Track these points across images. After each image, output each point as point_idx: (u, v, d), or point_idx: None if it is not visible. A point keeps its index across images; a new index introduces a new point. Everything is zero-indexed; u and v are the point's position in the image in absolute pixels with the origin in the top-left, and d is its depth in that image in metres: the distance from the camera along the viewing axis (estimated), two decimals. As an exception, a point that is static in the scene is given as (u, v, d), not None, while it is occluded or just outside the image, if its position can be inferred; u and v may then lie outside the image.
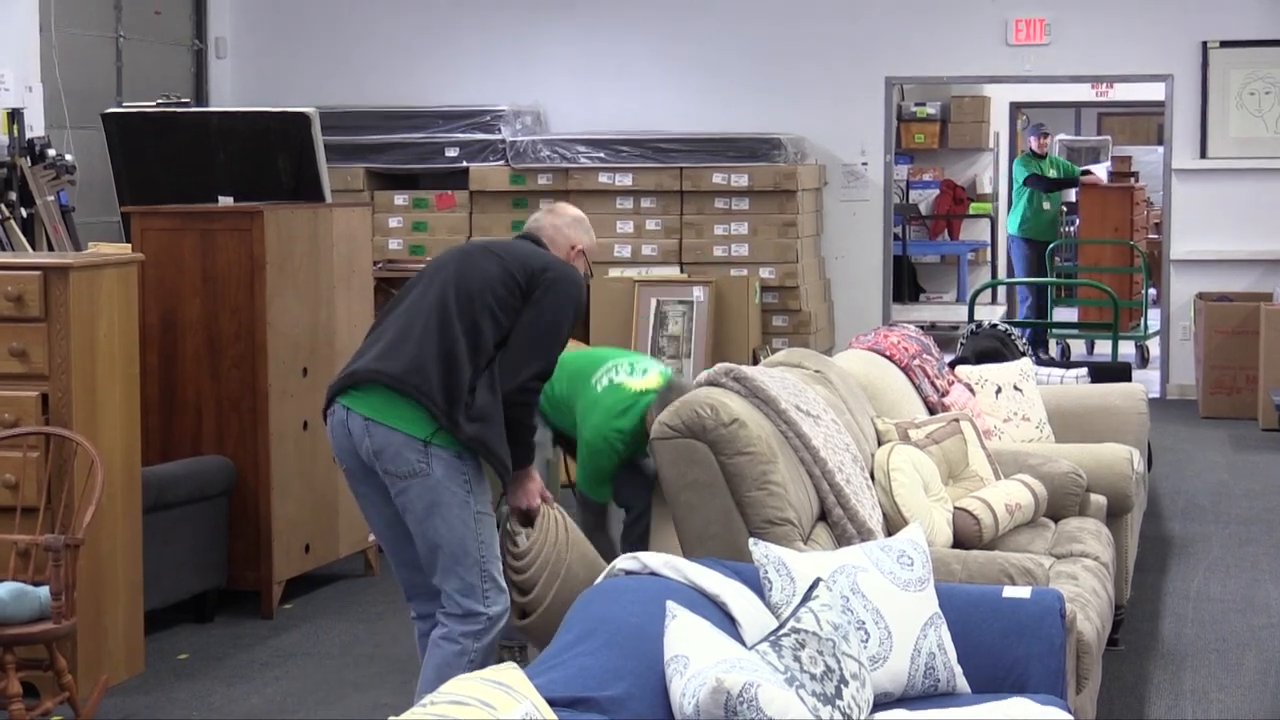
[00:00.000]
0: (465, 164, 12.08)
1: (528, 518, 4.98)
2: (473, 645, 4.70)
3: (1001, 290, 16.35)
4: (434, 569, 4.72)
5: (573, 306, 4.80)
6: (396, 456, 4.63)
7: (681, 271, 11.51)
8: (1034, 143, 14.57)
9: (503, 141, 12.02)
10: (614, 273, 11.27)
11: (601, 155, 11.83)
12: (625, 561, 3.72)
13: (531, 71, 12.80)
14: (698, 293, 11.01)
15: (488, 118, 12.18)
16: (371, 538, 7.37)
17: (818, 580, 3.54)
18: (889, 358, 6.53)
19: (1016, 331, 8.62)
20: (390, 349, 4.68)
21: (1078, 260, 15.00)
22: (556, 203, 5.22)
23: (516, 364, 4.70)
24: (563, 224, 5.02)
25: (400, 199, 12.11)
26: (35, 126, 9.39)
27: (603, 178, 11.79)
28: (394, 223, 12.06)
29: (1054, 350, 13.72)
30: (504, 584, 4.79)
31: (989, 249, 17.55)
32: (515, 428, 4.73)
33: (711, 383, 4.85)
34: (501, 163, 12.00)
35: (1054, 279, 14.24)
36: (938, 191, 17.50)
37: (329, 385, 4.84)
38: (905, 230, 16.72)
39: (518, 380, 4.69)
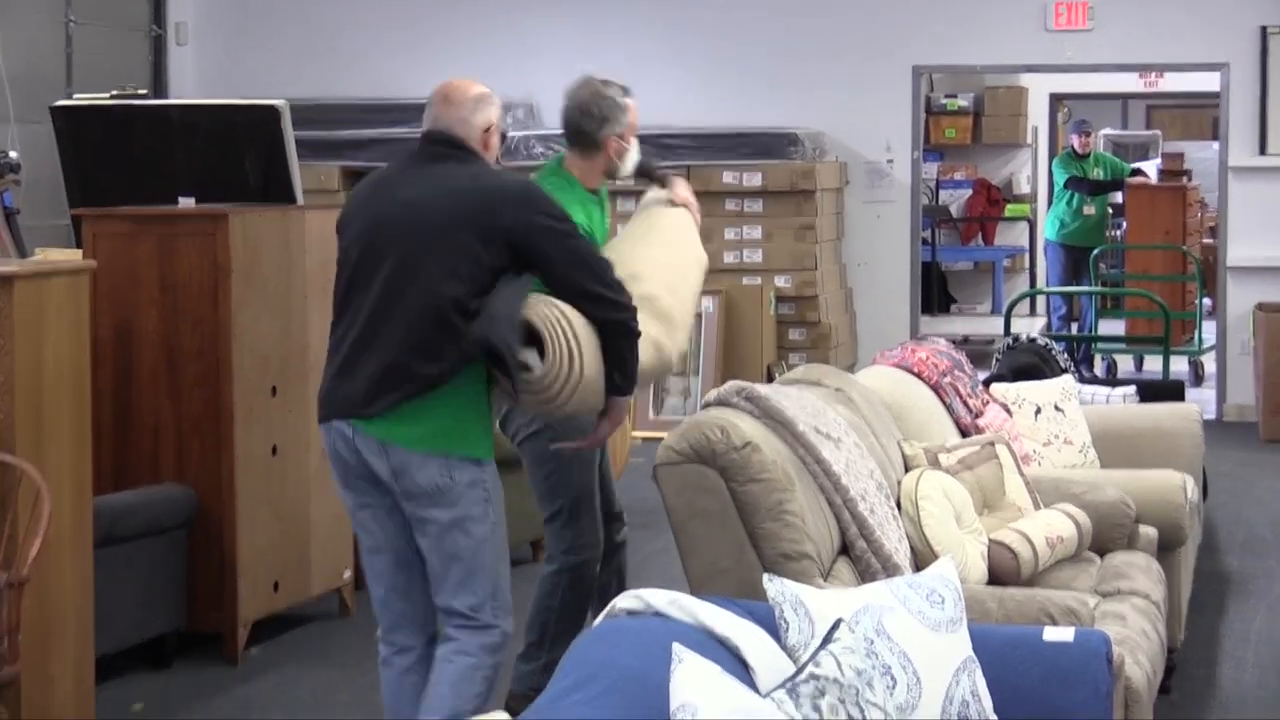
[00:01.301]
0: (450, 162, 12.08)
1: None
2: (488, 660, 4.81)
3: (1041, 301, 16.35)
4: (444, 585, 4.80)
5: (550, 206, 4.80)
6: (419, 473, 4.72)
7: (688, 280, 11.50)
8: (1076, 141, 14.55)
9: (492, 137, 12.02)
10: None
11: (600, 152, 11.83)
12: (627, 601, 3.72)
13: (523, 61, 12.81)
14: (706, 303, 11.01)
15: (475, 111, 12.18)
16: (347, 574, 7.37)
17: (839, 621, 3.53)
18: (917, 375, 6.54)
19: (1057, 346, 8.62)
20: (380, 380, 4.75)
21: (1125, 268, 14.99)
22: (444, 85, 4.92)
23: (588, 285, 4.75)
24: (466, 114, 4.87)
25: (379, 200, 12.10)
26: (-23, 121, 9.41)
27: (602, 177, 11.79)
28: (372, 227, 12.06)
29: (1099, 367, 13.72)
30: (510, 606, 4.89)
31: (1027, 255, 17.57)
32: (616, 358, 4.85)
33: (722, 402, 4.85)
34: (490, 160, 12.00)
35: (1099, 288, 14.23)
36: (970, 191, 17.53)
37: (320, 399, 4.91)
38: (935, 234, 16.74)
39: (609, 289, 4.78)
